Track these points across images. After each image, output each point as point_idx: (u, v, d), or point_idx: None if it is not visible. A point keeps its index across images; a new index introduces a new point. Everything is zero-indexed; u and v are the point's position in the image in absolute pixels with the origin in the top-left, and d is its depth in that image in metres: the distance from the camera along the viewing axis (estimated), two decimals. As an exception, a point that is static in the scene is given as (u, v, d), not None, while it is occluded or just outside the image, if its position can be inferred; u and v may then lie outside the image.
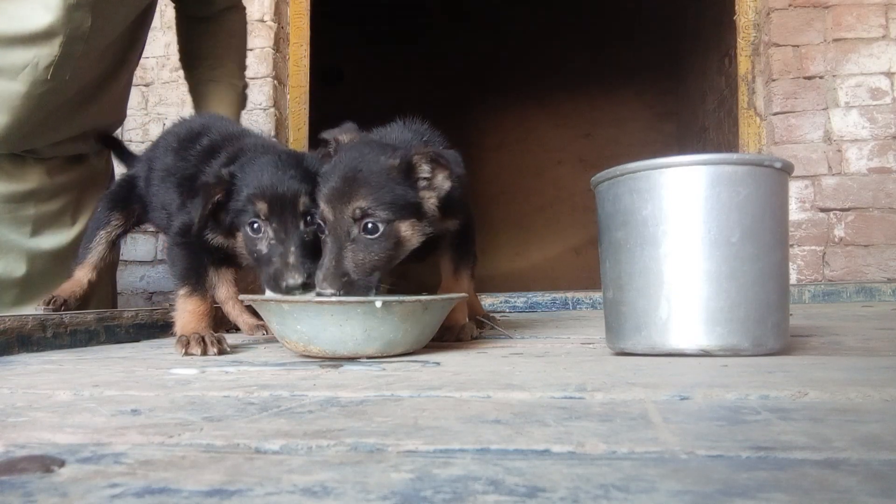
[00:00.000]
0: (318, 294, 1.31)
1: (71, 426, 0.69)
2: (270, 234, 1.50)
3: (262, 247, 1.51)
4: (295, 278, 1.43)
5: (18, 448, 0.60)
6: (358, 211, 1.32)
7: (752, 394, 0.78)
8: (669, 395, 0.79)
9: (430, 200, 1.40)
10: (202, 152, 1.73)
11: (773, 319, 1.13)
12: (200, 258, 1.63)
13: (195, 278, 1.60)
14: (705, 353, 1.11)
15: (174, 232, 1.68)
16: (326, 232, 1.37)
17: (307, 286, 1.44)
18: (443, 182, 1.39)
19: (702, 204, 1.12)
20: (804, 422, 0.64)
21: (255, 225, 1.50)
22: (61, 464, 0.54)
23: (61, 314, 1.70)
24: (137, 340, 1.92)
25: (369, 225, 1.32)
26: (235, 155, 1.62)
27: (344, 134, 1.53)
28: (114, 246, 2.07)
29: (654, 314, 1.14)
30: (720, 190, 1.12)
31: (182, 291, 1.60)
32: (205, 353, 1.40)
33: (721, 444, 0.56)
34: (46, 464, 0.53)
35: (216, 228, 1.59)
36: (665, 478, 0.47)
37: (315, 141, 3.82)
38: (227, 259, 1.71)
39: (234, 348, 1.60)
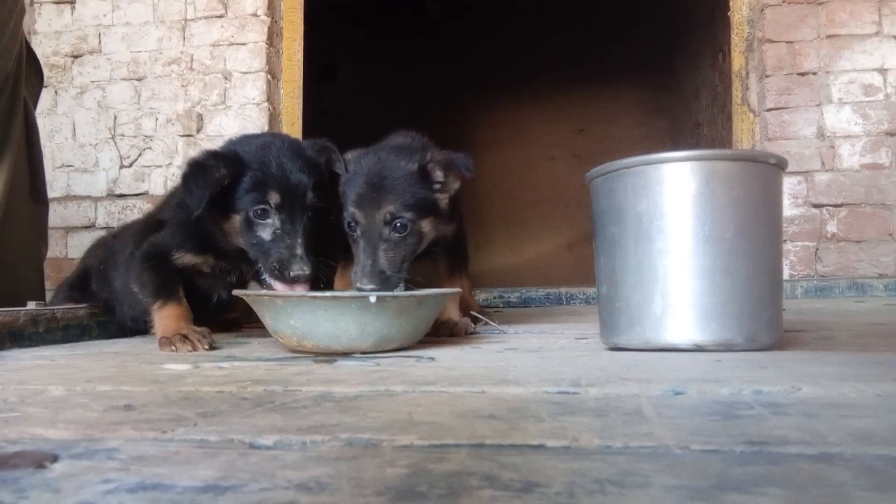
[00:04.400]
0: (359, 289, 1.42)
1: (64, 421, 0.68)
2: (277, 223, 1.50)
3: (266, 234, 1.51)
4: (304, 269, 1.47)
5: (10, 444, 0.59)
6: (388, 215, 1.47)
7: (745, 388, 0.78)
8: (663, 390, 0.79)
9: (444, 201, 1.58)
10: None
11: (767, 315, 1.13)
12: (171, 276, 1.62)
13: (167, 291, 1.59)
14: (699, 348, 1.11)
15: (139, 255, 1.65)
16: (358, 233, 1.50)
17: (310, 279, 1.49)
18: (453, 184, 1.58)
19: (696, 199, 1.12)
20: (798, 416, 0.64)
21: (262, 210, 1.50)
22: (54, 459, 0.54)
23: (53, 309, 1.69)
24: (129, 336, 1.91)
25: (398, 224, 1.48)
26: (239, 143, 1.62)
27: (351, 151, 1.64)
28: None
29: (648, 309, 1.15)
30: (715, 185, 1.12)
31: (155, 306, 1.58)
32: (194, 349, 1.39)
33: (715, 439, 0.56)
34: (39, 459, 0.53)
35: (185, 244, 1.59)
36: (660, 472, 0.47)
37: (308, 136, 3.80)
38: (193, 288, 1.69)
39: (227, 344, 1.60)
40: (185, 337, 1.43)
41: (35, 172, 2.25)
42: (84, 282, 2.02)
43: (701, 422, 0.63)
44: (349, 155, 1.61)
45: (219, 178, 1.47)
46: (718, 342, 1.11)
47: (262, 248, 1.51)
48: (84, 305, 1.83)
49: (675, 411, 0.68)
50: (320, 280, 1.72)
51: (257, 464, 0.52)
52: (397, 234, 1.48)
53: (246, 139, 1.69)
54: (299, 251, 1.48)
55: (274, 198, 1.49)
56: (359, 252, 1.48)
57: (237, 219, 1.54)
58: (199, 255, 1.61)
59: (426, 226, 1.53)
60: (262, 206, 1.50)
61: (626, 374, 0.92)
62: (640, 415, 0.66)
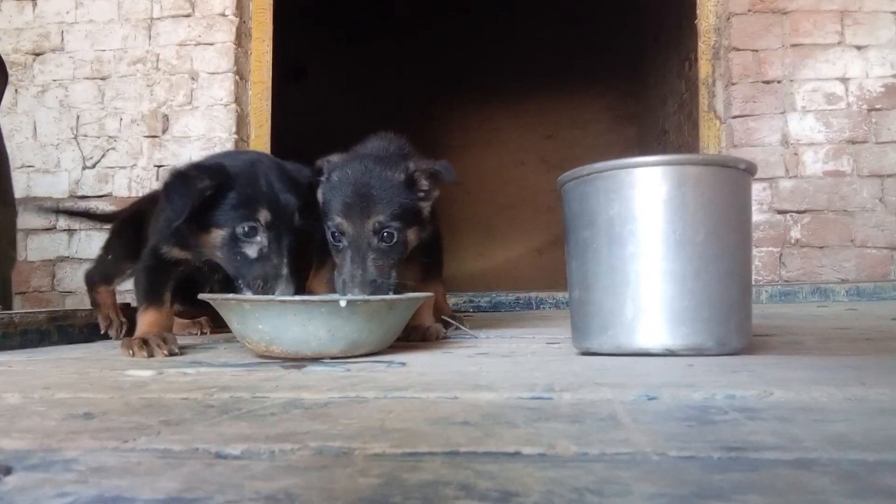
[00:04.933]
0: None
1: (19, 431, 0.65)
2: (265, 241, 1.46)
3: (251, 251, 1.46)
4: (289, 290, 1.44)
5: (-39, 455, 0.56)
6: (377, 224, 1.46)
7: (718, 393, 0.78)
8: (637, 395, 0.78)
9: (426, 209, 1.58)
10: None
11: (737, 319, 1.14)
12: (160, 278, 1.61)
13: (153, 296, 1.59)
14: (670, 353, 1.12)
15: (144, 255, 1.65)
16: (345, 243, 1.48)
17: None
18: (435, 192, 1.58)
19: (668, 204, 1.12)
20: (772, 421, 0.64)
21: (249, 229, 1.46)
22: (7, 471, 0.51)
23: (10, 313, 1.63)
24: (92, 341, 1.86)
25: (386, 234, 1.47)
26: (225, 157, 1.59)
27: (335, 155, 1.61)
28: None
29: (619, 314, 1.14)
30: (685, 190, 1.12)
31: (142, 308, 1.58)
32: (151, 354, 1.36)
33: (692, 445, 0.55)
34: (-9, 472, 0.50)
35: (173, 238, 1.55)
36: (639, 480, 0.46)
37: (277, 139, 3.76)
38: (188, 283, 1.67)
39: (193, 348, 1.56)
40: (145, 342, 1.39)
41: (1, 176, 2.19)
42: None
43: (676, 427, 0.62)
44: (331, 159, 1.58)
45: (201, 189, 1.43)
46: (689, 346, 1.11)
47: (245, 264, 1.47)
48: (44, 310, 1.78)
49: (649, 417, 0.68)
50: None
51: (223, 474, 0.50)
52: (385, 244, 1.47)
53: (232, 154, 1.67)
54: (285, 271, 1.46)
55: (264, 216, 1.46)
56: (345, 261, 1.46)
57: (218, 234, 1.48)
58: (184, 251, 1.57)
59: (411, 234, 1.53)
60: (251, 224, 1.46)
61: (599, 379, 0.91)
62: (615, 420, 0.65)
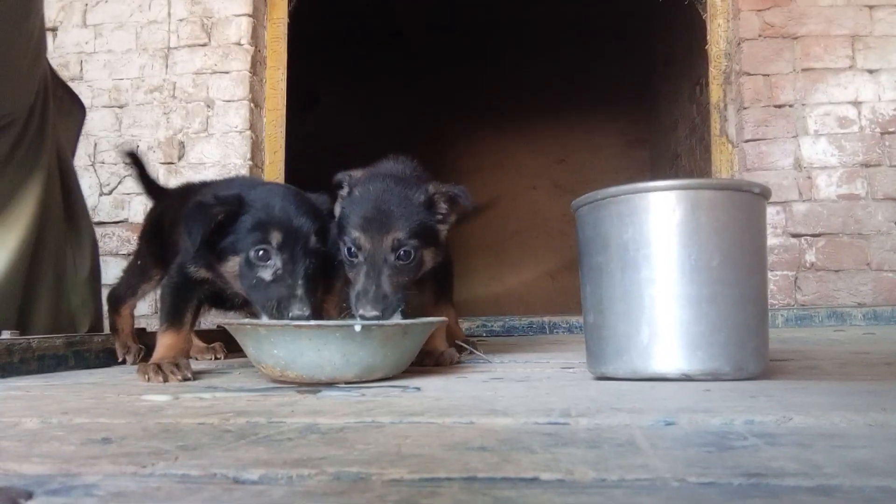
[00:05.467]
0: (361, 316, 1.38)
1: (39, 455, 0.66)
2: (279, 263, 1.47)
3: (266, 275, 1.47)
4: (304, 311, 1.42)
5: (-18, 479, 0.57)
6: (396, 241, 1.45)
7: (737, 419, 0.78)
8: (654, 421, 0.78)
9: (443, 232, 1.58)
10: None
11: (753, 343, 1.13)
12: (184, 298, 1.61)
13: (174, 316, 1.59)
14: (687, 378, 1.11)
15: (171, 271, 1.65)
16: (361, 258, 1.47)
17: (309, 319, 1.43)
18: (453, 216, 1.59)
19: (682, 228, 1.12)
20: (792, 447, 0.63)
21: (262, 252, 1.47)
22: (28, 496, 0.51)
23: (28, 339, 1.65)
24: (108, 366, 1.87)
25: (403, 252, 1.46)
26: (239, 186, 1.61)
27: (356, 171, 1.62)
28: None
29: (635, 338, 1.14)
30: (700, 214, 1.12)
31: (162, 328, 1.58)
32: (165, 380, 1.36)
33: (712, 471, 0.55)
34: (13, 497, 0.50)
35: (199, 259, 1.56)
36: (659, 506, 0.46)
37: (291, 165, 3.79)
38: (218, 299, 1.68)
39: (208, 373, 1.57)
40: (159, 367, 1.40)
41: (69, 197, 2.34)
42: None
43: (695, 453, 0.62)
44: (353, 174, 1.59)
45: (214, 215, 1.46)
46: (706, 371, 1.10)
47: (261, 287, 1.48)
48: (61, 335, 1.79)
49: (668, 442, 0.67)
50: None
51: (242, 499, 0.50)
52: (401, 262, 1.46)
53: (249, 182, 1.68)
54: (300, 292, 1.44)
55: (276, 238, 1.47)
56: (359, 276, 1.45)
57: (236, 261, 1.50)
58: (209, 271, 1.58)
59: (427, 255, 1.52)
60: (263, 247, 1.47)
61: (615, 404, 0.91)
62: (633, 446, 0.65)
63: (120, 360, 1.93)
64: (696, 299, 1.10)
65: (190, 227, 1.46)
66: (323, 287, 1.72)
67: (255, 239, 1.47)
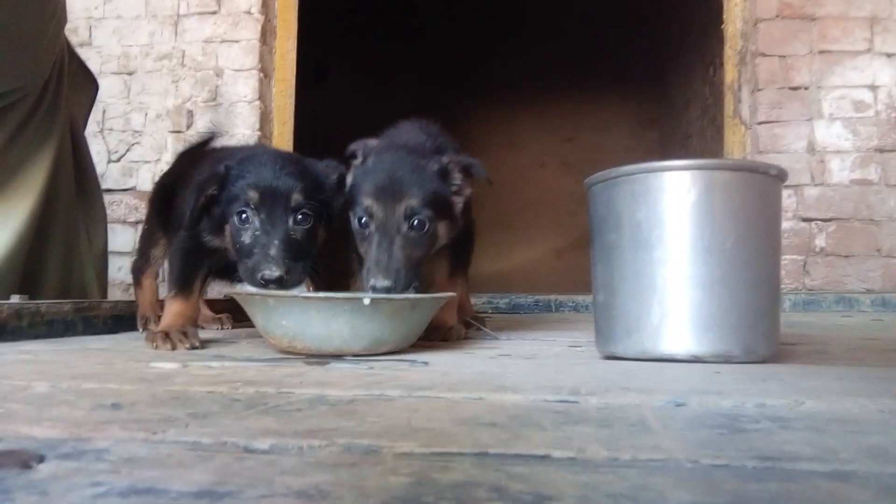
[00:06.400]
0: (372, 286, 1.34)
1: (49, 419, 0.66)
2: (257, 224, 1.45)
3: (246, 237, 1.46)
4: (272, 270, 1.38)
5: (-6, 442, 0.57)
6: (409, 209, 1.41)
7: (747, 401, 0.77)
8: (665, 401, 0.77)
9: (458, 205, 1.53)
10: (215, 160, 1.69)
11: (764, 326, 1.13)
12: (193, 263, 1.60)
13: (182, 281, 1.57)
14: (696, 359, 1.10)
15: (181, 235, 1.64)
16: (373, 227, 1.43)
17: (283, 281, 1.40)
18: (468, 189, 1.53)
19: (696, 209, 1.11)
20: (805, 431, 0.63)
21: (244, 215, 1.45)
22: (40, 459, 0.51)
23: (37, 302, 1.65)
24: (116, 332, 1.88)
25: (416, 222, 1.42)
26: (237, 154, 1.59)
27: (371, 139, 1.59)
28: None
29: (645, 319, 1.13)
30: (715, 195, 1.11)
31: (170, 295, 1.57)
32: (174, 348, 1.37)
33: (725, 453, 0.54)
34: (25, 459, 0.50)
35: (211, 228, 1.55)
36: (673, 487, 0.45)
37: (301, 137, 3.77)
38: (225, 269, 1.66)
39: (215, 342, 1.57)
40: (167, 335, 1.40)
41: (81, 171, 2.37)
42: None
43: (708, 434, 0.62)
44: (368, 143, 1.55)
45: (205, 188, 1.47)
46: (716, 353, 1.10)
47: (243, 252, 1.46)
48: (70, 301, 1.80)
49: (679, 423, 0.67)
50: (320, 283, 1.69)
51: (254, 468, 0.50)
52: (415, 232, 1.42)
53: (240, 150, 1.67)
54: (273, 252, 1.40)
55: (253, 197, 1.44)
56: (371, 247, 1.41)
57: (227, 230, 1.50)
58: (224, 242, 1.57)
59: (442, 228, 1.48)
60: (243, 209, 1.45)
61: (625, 384, 0.90)
62: (644, 426, 0.65)
63: (140, 330, 1.93)
64: (709, 280, 1.09)
65: (189, 205, 1.48)
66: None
67: (237, 202, 1.46)
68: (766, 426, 0.65)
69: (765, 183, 1.15)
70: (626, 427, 0.64)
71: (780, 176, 1.17)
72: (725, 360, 1.10)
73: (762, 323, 1.12)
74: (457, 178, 1.50)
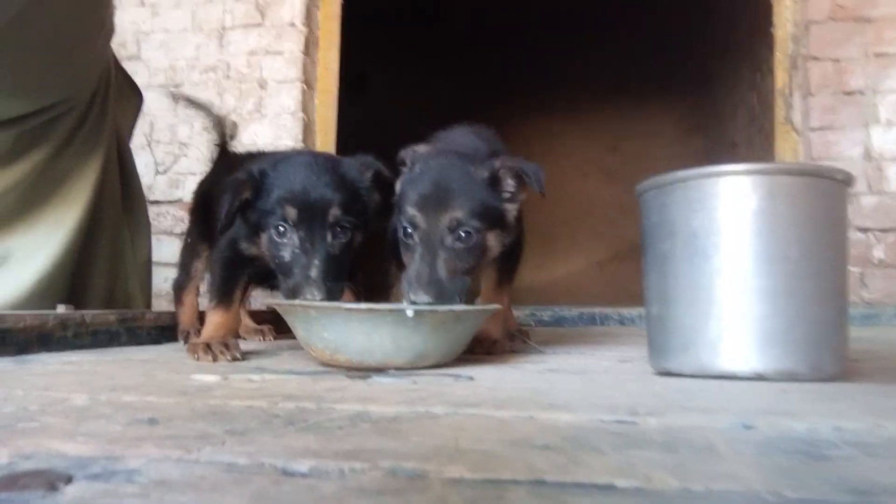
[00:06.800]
0: (412, 301, 1.28)
1: (84, 434, 0.63)
2: (296, 241, 1.43)
3: (286, 253, 1.44)
4: (314, 294, 1.37)
5: (24, 459, 0.54)
6: (454, 221, 1.34)
7: (822, 424, 0.71)
8: (731, 423, 0.72)
9: (511, 213, 1.44)
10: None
11: (832, 342, 1.06)
12: (233, 273, 1.59)
13: (223, 292, 1.56)
14: (759, 377, 1.04)
15: (220, 245, 1.62)
16: (416, 238, 1.37)
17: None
18: (522, 195, 1.44)
19: (757, 216, 1.05)
20: (894, 460, 0.57)
21: (282, 229, 1.44)
22: (68, 480, 0.48)
23: (82, 313, 1.66)
24: (159, 343, 1.88)
25: (462, 234, 1.35)
26: (271, 158, 1.57)
27: (421, 146, 1.52)
28: None
29: (702, 333, 1.07)
30: (777, 201, 1.05)
31: (211, 305, 1.56)
32: (215, 359, 1.35)
33: (809, 484, 0.49)
34: (52, 480, 0.48)
35: (247, 235, 1.54)
36: (758, 525, 0.40)
37: (342, 147, 3.77)
38: (265, 277, 1.64)
39: (257, 354, 1.55)
40: (209, 346, 1.39)
41: (127, 182, 2.41)
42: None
43: (785, 462, 0.56)
44: (417, 149, 1.49)
45: (239, 191, 1.45)
46: (780, 371, 1.03)
47: (283, 269, 1.45)
48: (114, 311, 1.80)
49: (750, 448, 0.61)
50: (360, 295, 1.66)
51: (291, 494, 0.46)
52: (460, 244, 1.34)
53: (275, 155, 1.65)
54: (313, 273, 1.38)
55: (291, 214, 1.42)
56: (413, 260, 1.34)
57: (264, 238, 1.48)
58: (260, 249, 1.55)
59: (492, 238, 1.39)
60: (280, 224, 1.44)
61: (684, 403, 0.85)
62: (713, 451, 0.59)
63: (182, 342, 1.92)
64: (772, 293, 1.03)
65: (221, 205, 1.45)
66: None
67: (274, 216, 1.44)
68: (850, 453, 0.59)
69: (830, 188, 1.09)
70: (693, 452, 0.59)
71: (846, 181, 1.10)
72: (790, 378, 1.03)
73: (830, 338, 1.05)
74: (509, 184, 1.42)
